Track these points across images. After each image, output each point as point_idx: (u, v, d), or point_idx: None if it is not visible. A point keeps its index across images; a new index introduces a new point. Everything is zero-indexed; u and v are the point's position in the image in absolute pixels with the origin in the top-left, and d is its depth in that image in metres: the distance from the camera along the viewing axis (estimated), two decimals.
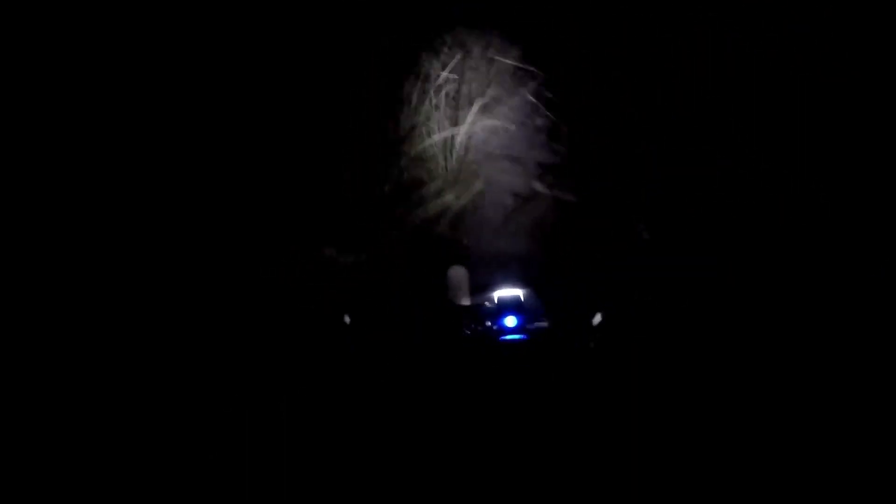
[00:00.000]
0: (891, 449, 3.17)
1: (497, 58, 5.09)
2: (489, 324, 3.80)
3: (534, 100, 5.02)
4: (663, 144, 4.47)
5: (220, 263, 4.26)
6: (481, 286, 3.98)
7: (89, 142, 4.32)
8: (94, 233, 4.17)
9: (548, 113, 4.98)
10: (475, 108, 5.11)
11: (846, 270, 3.99)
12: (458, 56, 5.06)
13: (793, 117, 4.26)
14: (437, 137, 5.01)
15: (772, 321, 3.91)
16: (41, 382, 3.54)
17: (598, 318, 3.65)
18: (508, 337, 3.71)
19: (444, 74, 5.03)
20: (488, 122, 5.08)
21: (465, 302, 4.00)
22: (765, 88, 4.35)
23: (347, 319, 3.91)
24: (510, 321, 3.71)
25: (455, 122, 5.07)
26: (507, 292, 3.83)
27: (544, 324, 3.77)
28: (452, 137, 5.05)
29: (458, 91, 5.09)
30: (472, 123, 5.05)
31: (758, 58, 4.37)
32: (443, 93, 5.12)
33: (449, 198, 4.92)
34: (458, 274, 4.08)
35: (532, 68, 5.03)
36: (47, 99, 4.28)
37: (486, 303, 3.88)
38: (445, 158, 5.04)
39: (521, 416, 3.33)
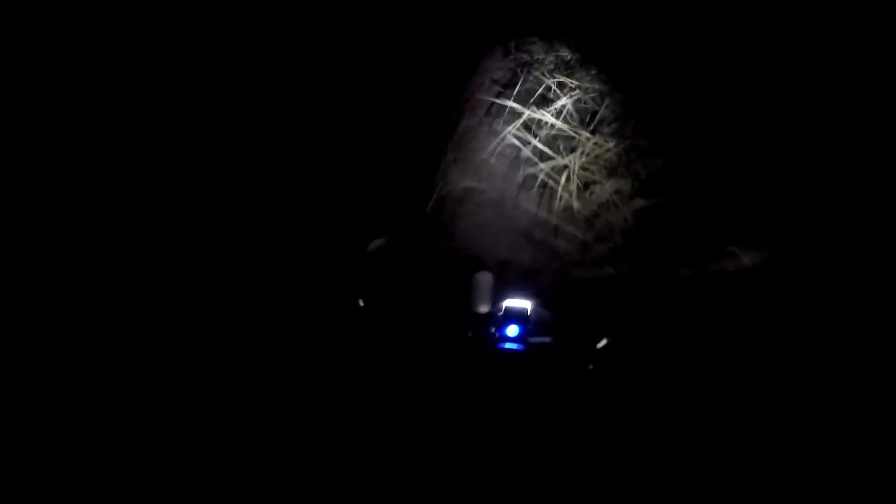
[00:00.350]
0: (891, 449, 3.18)
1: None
2: (493, 330, 3.84)
3: (517, 141, 4.33)
4: (663, 144, 4.47)
5: (220, 263, 4.27)
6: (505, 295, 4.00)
7: (87, 141, 4.33)
8: (92, 232, 4.18)
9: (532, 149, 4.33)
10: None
11: (846, 270, 4.00)
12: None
13: (793, 117, 4.27)
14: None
15: (772, 321, 3.92)
16: (40, 382, 3.55)
17: (602, 342, 3.69)
18: (507, 345, 3.76)
19: None
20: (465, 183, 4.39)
21: (485, 309, 4.02)
22: (765, 88, 4.36)
23: (362, 303, 3.94)
24: (511, 330, 3.76)
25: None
26: (515, 303, 3.87)
27: (547, 339, 3.83)
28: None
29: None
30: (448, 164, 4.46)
31: (758, 58, 4.38)
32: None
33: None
34: (483, 280, 4.08)
35: (515, 105, 4.39)
36: (46, 98, 4.29)
37: (499, 312, 3.91)
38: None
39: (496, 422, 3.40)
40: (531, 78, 4.51)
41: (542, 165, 4.34)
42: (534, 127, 4.44)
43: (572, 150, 4.38)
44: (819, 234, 4.13)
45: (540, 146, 4.35)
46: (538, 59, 4.58)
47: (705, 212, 4.32)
